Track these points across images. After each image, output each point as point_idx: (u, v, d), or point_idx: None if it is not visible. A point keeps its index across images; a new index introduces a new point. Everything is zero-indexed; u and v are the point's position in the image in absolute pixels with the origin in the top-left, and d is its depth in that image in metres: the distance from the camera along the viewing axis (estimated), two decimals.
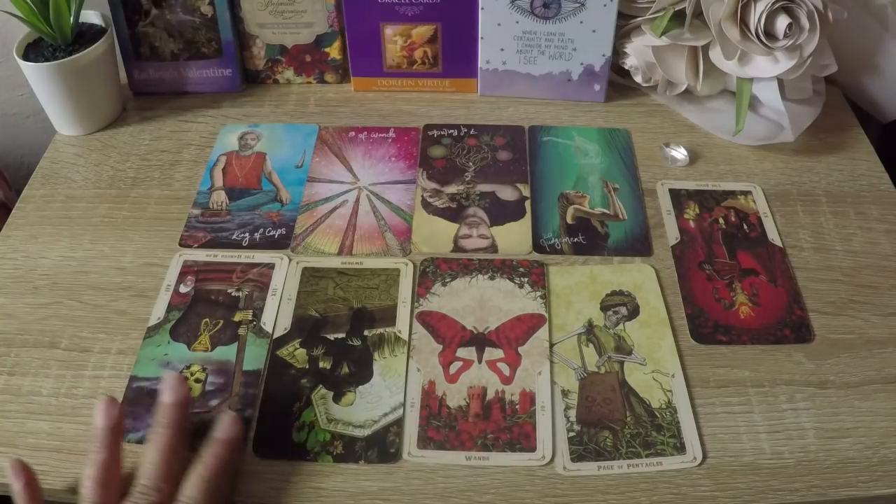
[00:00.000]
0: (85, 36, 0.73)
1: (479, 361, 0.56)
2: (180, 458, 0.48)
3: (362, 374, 0.56)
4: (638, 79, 0.77)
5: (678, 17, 0.70)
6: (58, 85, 0.71)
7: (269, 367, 0.56)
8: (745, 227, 0.65)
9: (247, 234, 0.66)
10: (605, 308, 0.59)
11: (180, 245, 0.65)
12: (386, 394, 0.54)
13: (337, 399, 0.54)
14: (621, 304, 0.60)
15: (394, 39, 0.77)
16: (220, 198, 0.69)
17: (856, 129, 0.75)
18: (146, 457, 0.48)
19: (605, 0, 0.70)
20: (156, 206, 0.69)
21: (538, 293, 0.60)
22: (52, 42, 0.72)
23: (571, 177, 0.70)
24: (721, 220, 0.66)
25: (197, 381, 0.55)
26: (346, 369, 0.56)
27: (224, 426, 0.50)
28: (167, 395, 0.50)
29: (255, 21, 0.77)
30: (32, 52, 0.72)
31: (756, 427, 0.53)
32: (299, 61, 0.80)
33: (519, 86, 0.78)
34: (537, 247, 0.64)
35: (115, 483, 0.47)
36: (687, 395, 0.54)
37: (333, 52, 0.79)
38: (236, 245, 0.65)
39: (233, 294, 0.61)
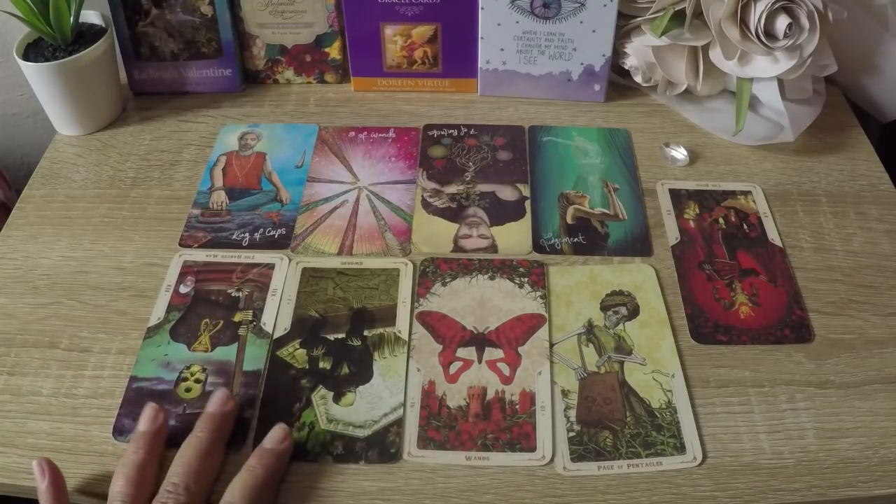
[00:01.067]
0: (85, 36, 0.73)
1: (479, 361, 0.56)
2: (214, 464, 0.48)
3: (362, 374, 0.56)
4: (638, 79, 0.77)
5: (678, 17, 0.70)
6: (58, 85, 0.71)
7: (269, 368, 0.56)
8: (745, 227, 0.65)
9: (247, 234, 0.66)
10: (605, 308, 0.59)
11: (180, 245, 0.65)
12: (386, 394, 0.54)
13: (337, 399, 0.54)
14: (621, 304, 0.60)
15: (394, 39, 0.77)
16: (220, 198, 0.69)
17: (856, 129, 0.75)
18: (181, 456, 0.48)
19: (605, 0, 0.70)
20: (156, 206, 0.69)
21: (538, 293, 0.60)
22: (52, 42, 0.72)
23: (571, 177, 0.70)
24: (721, 220, 0.66)
25: (197, 381, 0.55)
26: (346, 369, 0.56)
27: (275, 437, 0.50)
28: (214, 406, 0.51)
29: (255, 21, 0.77)
30: (32, 52, 0.72)
31: (756, 427, 0.53)
32: (299, 61, 0.80)
33: (519, 86, 0.78)
34: (537, 247, 0.64)
35: (148, 485, 0.47)
36: (687, 395, 0.54)
37: (333, 52, 0.79)
38: (236, 245, 0.65)
39: (233, 294, 0.61)
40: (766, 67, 0.69)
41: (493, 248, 0.64)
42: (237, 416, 0.53)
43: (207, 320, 0.59)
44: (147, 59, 0.78)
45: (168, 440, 0.51)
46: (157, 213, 0.68)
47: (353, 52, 0.78)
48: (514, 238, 0.65)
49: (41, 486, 0.47)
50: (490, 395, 0.54)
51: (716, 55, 0.71)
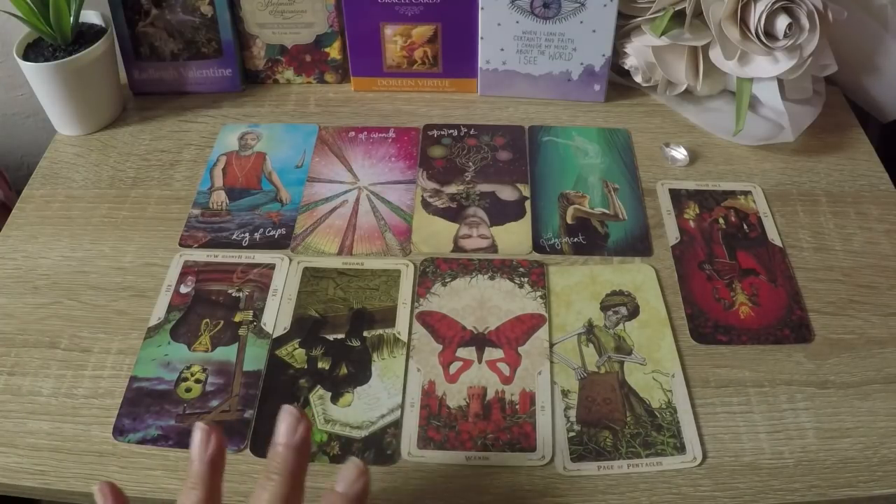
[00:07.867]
0: (85, 36, 0.73)
1: (479, 361, 0.56)
2: None
3: (361, 375, 0.56)
4: (638, 79, 0.77)
5: (678, 17, 0.70)
6: (58, 85, 0.71)
7: (268, 367, 0.56)
8: (745, 227, 0.65)
9: (247, 234, 0.66)
10: (605, 308, 0.59)
11: (180, 245, 0.65)
12: (384, 395, 0.54)
13: (335, 400, 0.54)
14: (621, 304, 0.60)
15: (394, 39, 0.77)
16: (220, 198, 0.69)
17: (856, 129, 0.75)
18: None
19: (605, 0, 0.70)
20: (156, 206, 0.69)
21: (538, 293, 0.60)
22: (52, 42, 0.72)
23: (571, 177, 0.70)
24: (721, 220, 0.66)
25: (197, 381, 0.55)
26: (344, 370, 0.56)
27: (347, 480, 0.42)
28: (282, 437, 0.41)
29: (255, 21, 0.77)
30: (32, 52, 0.72)
31: (756, 427, 0.53)
32: (299, 61, 0.80)
33: (519, 86, 0.78)
34: (537, 247, 0.64)
35: None
36: (687, 395, 0.54)
37: (333, 52, 0.79)
38: (236, 245, 0.65)
39: (233, 294, 0.61)
40: (766, 67, 0.69)
41: (493, 248, 0.64)
42: (237, 416, 0.53)
43: (208, 320, 0.59)
44: (147, 59, 0.78)
45: (175, 441, 0.51)
46: (157, 213, 0.68)
47: (353, 52, 0.78)
48: (514, 238, 0.65)
49: None
50: (490, 395, 0.54)
51: (716, 55, 0.71)
